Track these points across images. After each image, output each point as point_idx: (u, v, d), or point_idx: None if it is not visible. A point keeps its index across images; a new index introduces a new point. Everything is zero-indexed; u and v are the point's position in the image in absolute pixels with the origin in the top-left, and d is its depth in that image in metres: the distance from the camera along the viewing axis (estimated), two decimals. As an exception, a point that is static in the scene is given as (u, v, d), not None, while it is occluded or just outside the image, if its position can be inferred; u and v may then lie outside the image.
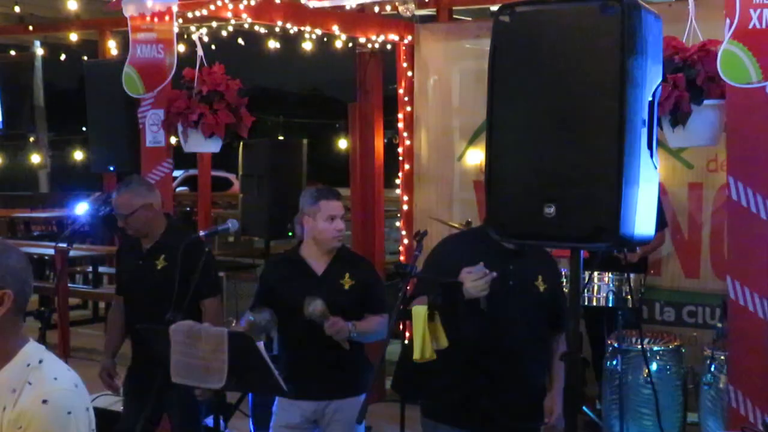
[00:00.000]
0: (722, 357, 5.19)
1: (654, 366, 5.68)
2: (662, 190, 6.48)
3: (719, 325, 5.70)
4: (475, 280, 3.70)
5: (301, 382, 4.28)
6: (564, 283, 4.52)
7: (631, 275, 5.96)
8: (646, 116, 2.78)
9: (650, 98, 2.81)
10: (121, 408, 5.45)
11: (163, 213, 5.17)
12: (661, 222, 5.88)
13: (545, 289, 4.06)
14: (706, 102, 4.68)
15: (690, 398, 5.71)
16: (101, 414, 5.80)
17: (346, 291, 4.50)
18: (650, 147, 2.82)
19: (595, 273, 5.84)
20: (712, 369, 5.32)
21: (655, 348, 5.77)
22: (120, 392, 5.17)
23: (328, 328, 4.31)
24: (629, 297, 5.82)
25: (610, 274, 5.85)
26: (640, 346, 5.67)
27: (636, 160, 2.74)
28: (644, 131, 2.78)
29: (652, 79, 2.82)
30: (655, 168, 2.86)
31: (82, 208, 5.19)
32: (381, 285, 4.77)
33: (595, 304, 5.89)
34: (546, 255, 4.18)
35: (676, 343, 5.84)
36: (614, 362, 5.75)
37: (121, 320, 5.20)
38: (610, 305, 5.86)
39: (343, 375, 4.47)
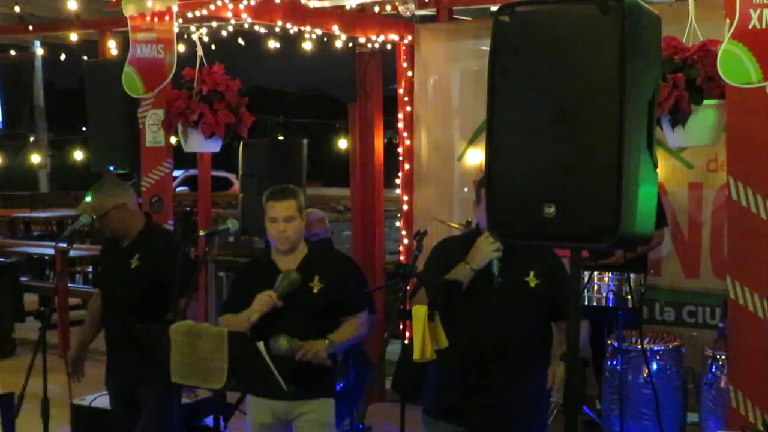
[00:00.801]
0: (723, 357, 5.18)
1: (654, 366, 5.68)
2: (662, 190, 6.48)
3: (720, 325, 5.70)
4: (486, 238, 3.95)
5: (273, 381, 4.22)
6: None
7: (631, 275, 5.96)
8: (646, 116, 2.78)
9: (650, 98, 2.81)
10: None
11: (144, 213, 5.19)
12: (661, 221, 5.88)
13: (538, 284, 4.07)
14: (705, 102, 4.68)
15: (690, 398, 5.71)
16: (102, 414, 5.81)
17: (315, 294, 4.43)
18: (650, 147, 2.82)
19: (595, 273, 5.85)
20: (713, 369, 5.31)
21: (656, 348, 5.76)
22: (78, 379, 5.19)
23: (300, 357, 4.27)
24: (629, 297, 5.82)
25: (610, 274, 5.85)
26: (640, 346, 5.67)
27: (636, 159, 2.74)
28: (644, 131, 2.78)
29: (651, 79, 2.81)
30: (655, 168, 2.86)
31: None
32: (356, 282, 4.69)
33: (595, 304, 5.89)
34: (546, 251, 4.16)
35: (676, 343, 5.84)
36: (614, 362, 5.75)
37: (96, 314, 5.23)
38: (611, 305, 5.86)
39: (314, 376, 4.42)
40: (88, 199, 5.04)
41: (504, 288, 4.02)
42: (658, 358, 5.73)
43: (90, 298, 5.54)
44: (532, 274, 4.08)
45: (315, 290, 4.44)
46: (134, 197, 5.12)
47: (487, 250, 3.98)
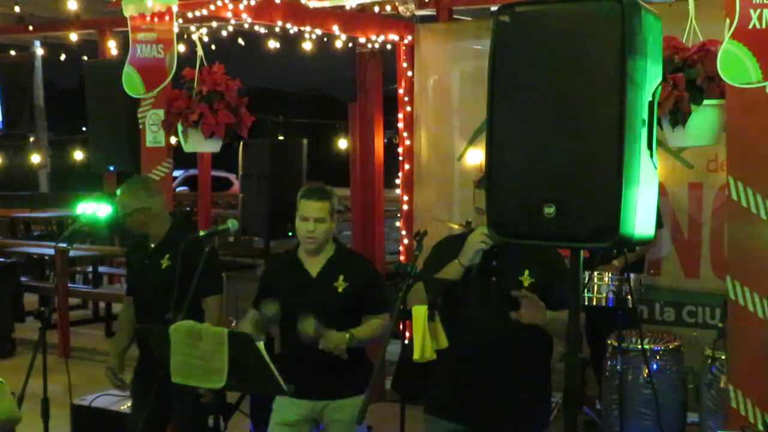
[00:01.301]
0: (723, 357, 5.19)
1: (654, 366, 5.68)
2: (662, 190, 6.48)
3: (720, 325, 5.70)
4: (476, 232, 3.99)
5: (300, 381, 4.24)
6: None
7: (631, 275, 5.96)
8: (646, 116, 2.78)
9: (650, 98, 2.81)
10: (122, 408, 5.44)
11: (169, 212, 5.20)
12: (657, 222, 5.87)
13: (533, 283, 4.04)
14: (705, 102, 4.68)
15: (690, 398, 5.71)
16: (102, 414, 5.82)
17: (339, 294, 4.46)
18: (650, 147, 2.82)
19: (595, 273, 5.84)
20: (713, 369, 5.31)
21: (655, 348, 5.77)
22: (127, 390, 5.18)
23: (323, 346, 4.30)
24: (629, 297, 5.82)
25: (609, 274, 5.85)
26: (640, 346, 5.67)
27: (636, 160, 2.74)
28: (644, 131, 2.78)
29: (652, 79, 2.81)
30: (655, 168, 2.86)
31: (105, 210, 5.23)
32: (379, 284, 4.71)
33: (595, 304, 5.89)
34: (546, 250, 4.06)
35: (676, 343, 5.84)
36: (614, 362, 5.75)
37: (129, 322, 5.22)
38: (611, 305, 5.86)
39: (342, 375, 4.45)
40: (118, 194, 5.09)
41: (498, 287, 4.02)
42: (658, 358, 5.73)
43: (93, 298, 5.54)
44: (526, 273, 4.06)
45: (339, 289, 4.47)
46: (161, 200, 5.12)
47: (473, 242, 3.99)
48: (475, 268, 4.00)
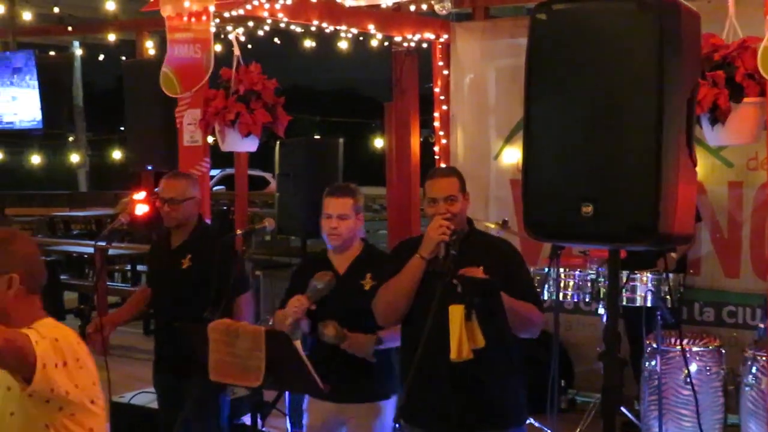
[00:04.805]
0: (763, 358, 5.13)
1: (693, 367, 5.63)
2: (701, 189, 6.42)
3: (760, 325, 5.64)
4: (432, 222, 3.79)
5: (325, 383, 4.08)
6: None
7: (670, 275, 5.91)
8: (684, 114, 2.76)
9: (689, 96, 2.78)
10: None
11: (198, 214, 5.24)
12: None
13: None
14: (745, 100, 4.63)
15: (730, 399, 5.65)
16: (140, 411, 5.86)
17: (365, 292, 4.37)
18: (689, 145, 2.79)
19: (638, 273, 5.79)
20: (753, 370, 5.26)
21: (695, 348, 5.71)
22: (99, 351, 5.16)
23: (346, 347, 4.27)
24: (668, 297, 5.77)
25: (648, 274, 5.80)
26: (679, 347, 5.61)
27: (674, 158, 2.71)
28: (683, 129, 2.75)
29: (690, 77, 2.79)
30: (694, 166, 2.84)
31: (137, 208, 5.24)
32: None
33: (634, 303, 5.84)
34: (501, 244, 4.00)
35: (715, 344, 5.78)
36: (653, 363, 5.70)
37: (138, 302, 5.29)
38: (649, 305, 5.81)
39: (365, 379, 4.40)
40: (166, 180, 5.08)
41: (453, 285, 3.73)
42: (697, 358, 5.67)
43: (129, 296, 5.55)
44: (481, 269, 3.82)
45: (366, 287, 4.40)
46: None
47: (431, 234, 3.81)
48: (444, 250, 3.75)
